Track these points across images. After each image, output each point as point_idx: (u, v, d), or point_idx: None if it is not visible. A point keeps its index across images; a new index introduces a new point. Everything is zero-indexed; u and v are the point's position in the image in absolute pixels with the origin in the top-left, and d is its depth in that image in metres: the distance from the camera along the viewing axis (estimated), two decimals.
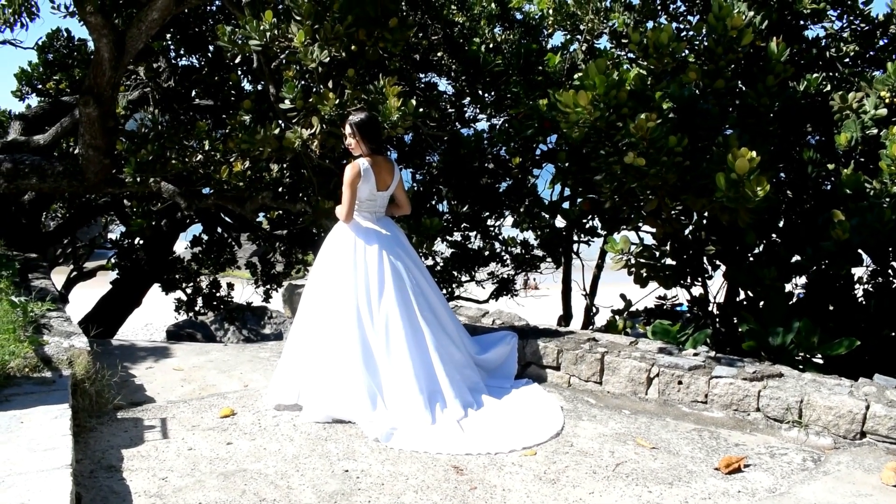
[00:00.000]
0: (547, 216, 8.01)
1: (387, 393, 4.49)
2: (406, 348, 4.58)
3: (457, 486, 3.58)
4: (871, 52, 7.09)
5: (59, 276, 9.94)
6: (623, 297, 7.64)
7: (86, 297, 12.85)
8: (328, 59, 5.69)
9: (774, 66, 5.79)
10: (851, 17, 7.07)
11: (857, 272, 6.58)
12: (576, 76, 6.28)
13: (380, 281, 4.69)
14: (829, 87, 6.37)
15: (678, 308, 7.64)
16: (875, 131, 5.86)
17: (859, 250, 5.81)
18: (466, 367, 4.95)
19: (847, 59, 6.99)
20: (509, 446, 4.09)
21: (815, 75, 6.16)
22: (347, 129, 4.83)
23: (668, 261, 6.33)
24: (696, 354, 5.06)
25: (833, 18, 7.09)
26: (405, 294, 4.74)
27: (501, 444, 4.11)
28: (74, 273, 12.56)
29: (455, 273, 9.07)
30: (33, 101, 9.54)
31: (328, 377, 4.49)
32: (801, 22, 6.89)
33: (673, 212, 6.10)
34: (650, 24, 7.40)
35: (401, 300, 4.69)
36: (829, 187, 6.31)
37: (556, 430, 4.34)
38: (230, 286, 11.46)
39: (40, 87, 9.46)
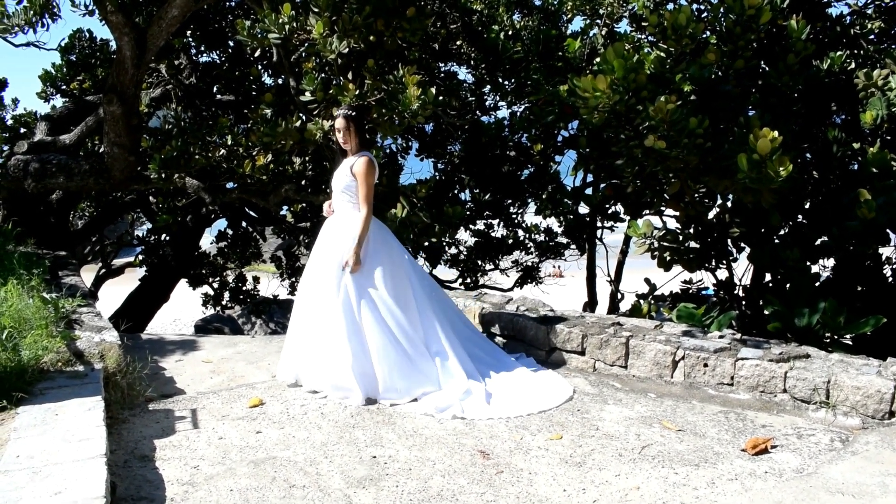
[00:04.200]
0: (570, 203, 8.00)
1: (415, 366, 4.64)
2: (435, 324, 4.78)
3: (483, 470, 3.60)
4: None
5: (88, 274, 10.06)
6: (647, 281, 7.61)
7: (115, 293, 13.02)
8: (347, 50, 5.72)
9: (795, 43, 5.73)
10: None
11: (886, 252, 6.52)
12: (596, 61, 6.24)
13: (403, 269, 4.84)
14: (853, 65, 6.28)
15: (704, 292, 7.60)
16: None
17: (887, 229, 5.75)
18: (474, 339, 5.17)
19: (871, 36, 6.89)
20: (527, 409, 4.33)
21: (838, 53, 6.08)
22: (340, 123, 4.78)
23: (692, 244, 6.30)
24: (721, 337, 5.04)
25: None
26: (413, 279, 4.87)
27: (520, 408, 4.34)
28: (103, 270, 12.73)
29: (479, 262, 9.09)
30: (58, 101, 9.67)
31: (361, 363, 4.60)
32: None
33: (696, 195, 6.06)
34: (670, 7, 7.34)
35: (418, 284, 4.86)
36: (855, 166, 6.23)
37: (567, 395, 4.55)
38: (256, 280, 11.57)
39: (64, 87, 9.58)
